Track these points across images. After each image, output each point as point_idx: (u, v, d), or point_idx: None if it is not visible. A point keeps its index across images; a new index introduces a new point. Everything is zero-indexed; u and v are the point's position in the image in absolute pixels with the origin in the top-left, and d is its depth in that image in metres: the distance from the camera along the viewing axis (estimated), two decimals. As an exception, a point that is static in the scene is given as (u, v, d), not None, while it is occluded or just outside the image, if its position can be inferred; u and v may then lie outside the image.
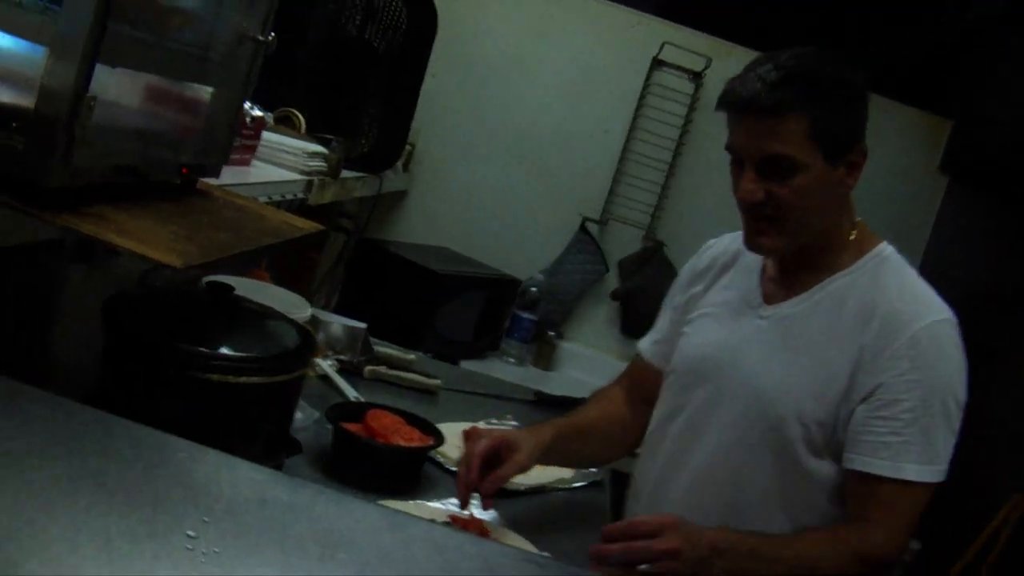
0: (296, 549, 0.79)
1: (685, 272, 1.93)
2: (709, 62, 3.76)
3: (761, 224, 1.62)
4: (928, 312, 1.58)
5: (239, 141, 2.07)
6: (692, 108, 3.84)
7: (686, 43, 3.77)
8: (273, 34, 1.54)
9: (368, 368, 2.20)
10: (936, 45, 3.86)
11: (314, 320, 2.26)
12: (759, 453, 1.63)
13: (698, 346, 1.78)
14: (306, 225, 1.61)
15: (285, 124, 2.56)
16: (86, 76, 1.06)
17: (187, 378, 1.26)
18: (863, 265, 1.65)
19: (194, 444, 0.93)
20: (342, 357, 2.21)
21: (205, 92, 1.51)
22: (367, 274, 3.43)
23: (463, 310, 3.45)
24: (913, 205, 3.91)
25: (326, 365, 2.12)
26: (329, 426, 1.68)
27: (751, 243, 1.66)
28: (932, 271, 3.74)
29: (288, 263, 3.20)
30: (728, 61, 3.69)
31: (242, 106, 1.58)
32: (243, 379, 1.29)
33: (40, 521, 0.72)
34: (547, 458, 1.70)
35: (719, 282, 1.82)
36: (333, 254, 3.41)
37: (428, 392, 2.23)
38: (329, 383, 2.08)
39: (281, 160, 2.32)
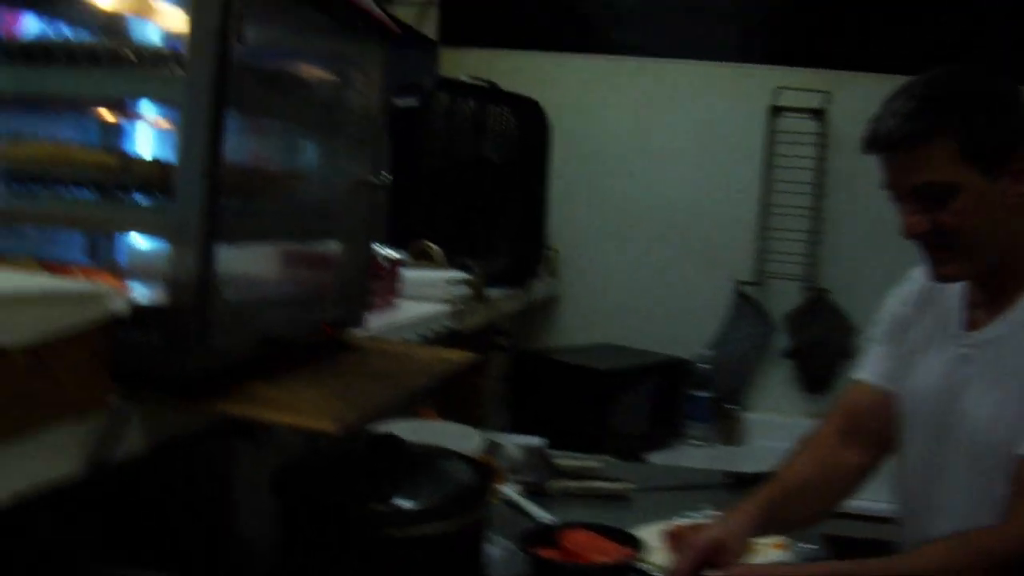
0: None
1: (889, 308, 1.84)
2: (828, 97, 3.63)
3: (938, 253, 1.57)
4: None
5: (380, 286, 2.07)
6: (822, 146, 3.70)
7: (801, 83, 3.65)
8: (387, 174, 1.53)
9: (554, 484, 2.13)
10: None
11: (490, 445, 2.21)
12: (991, 491, 1.53)
13: (912, 391, 1.71)
14: (459, 357, 1.57)
15: (422, 258, 2.55)
16: (207, 260, 1.05)
17: (366, 537, 1.23)
18: None
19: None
20: (525, 479, 2.15)
21: (332, 246, 1.51)
22: (533, 387, 3.38)
23: (637, 402, 3.35)
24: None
25: (510, 490, 2.06)
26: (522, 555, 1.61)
27: (934, 275, 1.61)
28: None
29: (453, 392, 3.18)
30: (848, 91, 3.57)
31: (371, 251, 1.56)
32: (424, 529, 1.24)
33: None
34: (763, 532, 1.64)
35: (924, 316, 1.74)
36: (496, 374, 3.38)
37: (619, 497, 2.14)
38: (516, 508, 2.02)
39: (424, 294, 2.31)
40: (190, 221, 1.04)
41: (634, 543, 1.67)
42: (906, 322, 1.77)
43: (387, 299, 2.14)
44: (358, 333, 1.59)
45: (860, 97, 3.57)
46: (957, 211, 1.50)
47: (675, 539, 1.57)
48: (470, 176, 2.90)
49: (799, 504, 1.73)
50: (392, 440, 1.39)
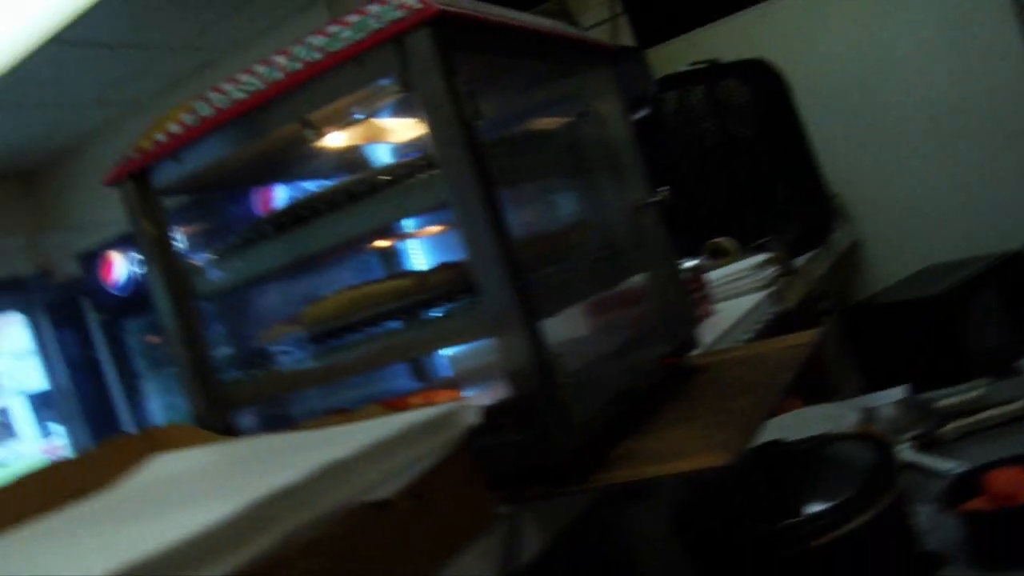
0: None
1: None
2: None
3: None
4: None
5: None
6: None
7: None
8: (663, 187, 1.46)
9: (947, 429, 1.95)
10: None
11: (861, 413, 2.07)
12: None
13: None
14: (803, 338, 1.47)
15: (718, 256, 2.46)
16: (537, 340, 1.02)
17: (789, 555, 1.14)
18: None
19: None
20: (912, 435, 1.98)
21: (638, 279, 1.45)
22: (872, 338, 3.18)
23: (984, 314, 3.08)
24: None
25: (904, 450, 1.90)
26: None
27: None
28: None
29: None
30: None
31: (676, 268, 1.50)
32: (847, 527, 1.14)
33: None
34: None
35: None
36: (830, 339, 3.21)
37: (1018, 419, 1.93)
38: (916, 468, 1.86)
39: (736, 289, 2.22)
40: (505, 309, 1.01)
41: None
42: None
43: (704, 309, 2.06)
44: (695, 354, 1.53)
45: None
46: None
47: None
48: (725, 158, 2.79)
49: None
50: (774, 446, 1.30)
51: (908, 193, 3.59)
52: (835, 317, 3.19)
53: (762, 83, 2.92)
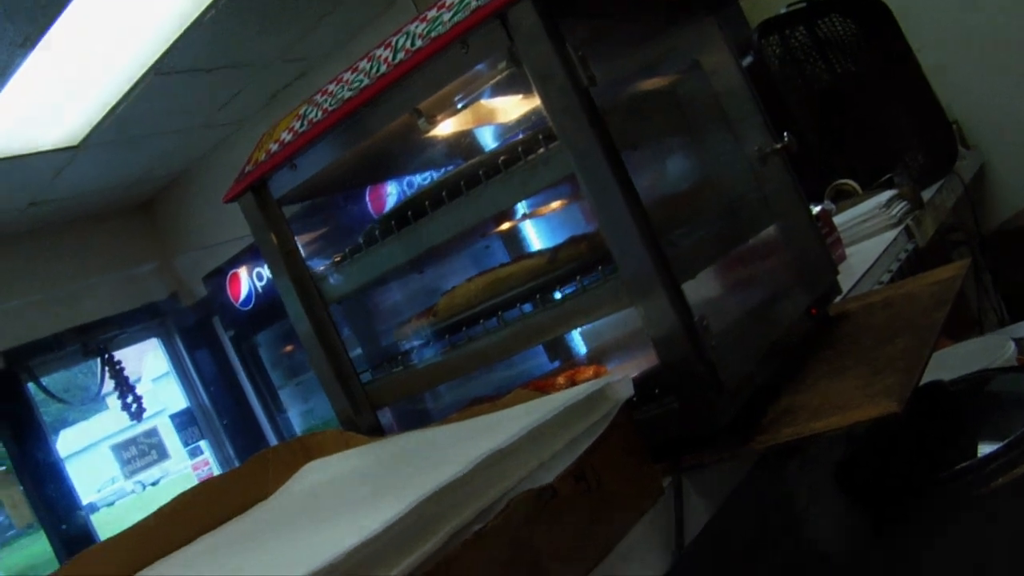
0: None
1: None
2: None
3: None
4: None
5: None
6: None
7: None
8: (787, 133, 1.40)
9: None
10: None
11: (1017, 343, 1.98)
12: None
13: None
14: (950, 272, 1.40)
15: (843, 198, 2.38)
16: (681, 303, 0.98)
17: (962, 501, 1.08)
18: None
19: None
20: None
21: (771, 230, 1.40)
22: (1016, 265, 3.03)
23: None
24: None
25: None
26: None
27: None
28: None
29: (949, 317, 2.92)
30: None
31: (808, 213, 1.43)
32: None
33: None
34: None
35: None
36: (971, 270, 3.08)
37: None
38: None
39: (867, 231, 2.14)
40: (644, 275, 0.97)
41: None
42: None
43: (838, 254, 1.99)
44: (838, 301, 1.47)
45: None
46: None
47: None
48: (836, 97, 2.69)
49: None
50: (934, 388, 1.24)
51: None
52: (971, 247, 3.06)
53: (865, 14, 2.81)
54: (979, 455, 1.13)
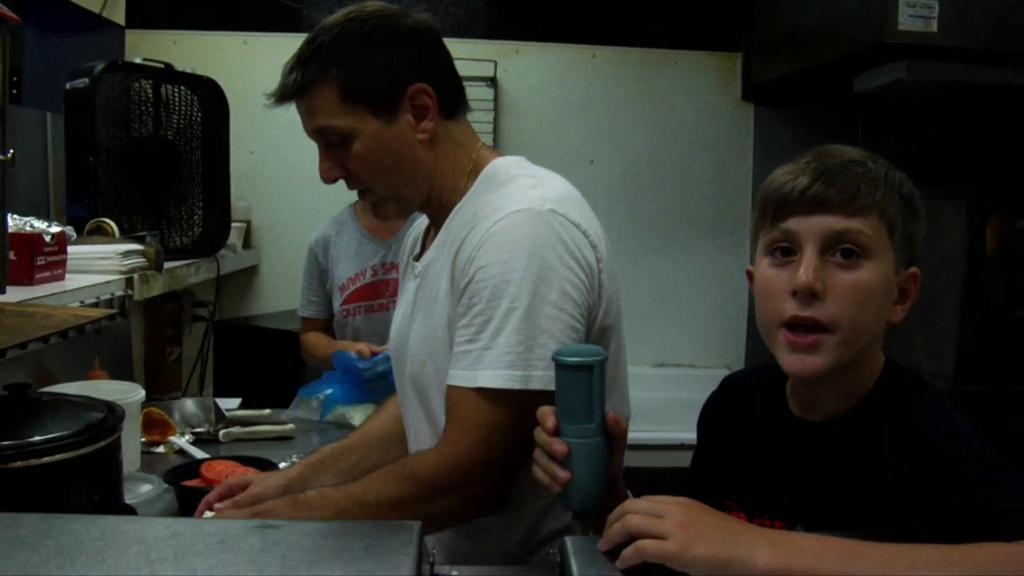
0: (39, 565, 0.92)
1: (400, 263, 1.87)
2: (494, 65, 3.92)
3: (365, 197, 1.59)
4: (509, 205, 1.42)
5: (44, 259, 2.19)
6: (496, 110, 4.00)
7: (469, 54, 3.90)
8: (12, 151, 1.66)
9: (223, 432, 2.31)
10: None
11: (166, 404, 2.38)
12: (420, 410, 1.58)
13: (391, 331, 1.74)
14: (92, 313, 1.74)
15: (98, 234, 2.66)
16: None
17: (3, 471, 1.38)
18: (476, 187, 1.54)
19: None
20: (198, 429, 2.32)
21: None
22: (233, 353, 3.54)
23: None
24: (731, 136, 4.20)
25: (181, 440, 2.23)
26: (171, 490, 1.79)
27: (376, 214, 1.63)
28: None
29: (152, 362, 3.30)
30: (516, 60, 3.91)
31: (5, 224, 1.70)
32: (48, 459, 1.40)
33: None
34: (318, 482, 1.67)
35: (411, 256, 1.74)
36: (197, 344, 3.52)
37: (286, 438, 2.34)
38: (187, 456, 2.19)
39: (97, 267, 2.43)
40: None
41: (274, 468, 1.87)
42: (402, 270, 1.78)
43: (56, 272, 2.25)
44: (5, 299, 1.73)
45: (522, 64, 3.94)
46: (358, 155, 1.48)
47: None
48: (150, 154, 3.02)
49: (360, 458, 1.75)
50: (22, 388, 1.54)
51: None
52: (205, 325, 3.51)
53: (207, 100, 3.20)
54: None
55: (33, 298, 1.89)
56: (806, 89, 4.02)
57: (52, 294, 2.05)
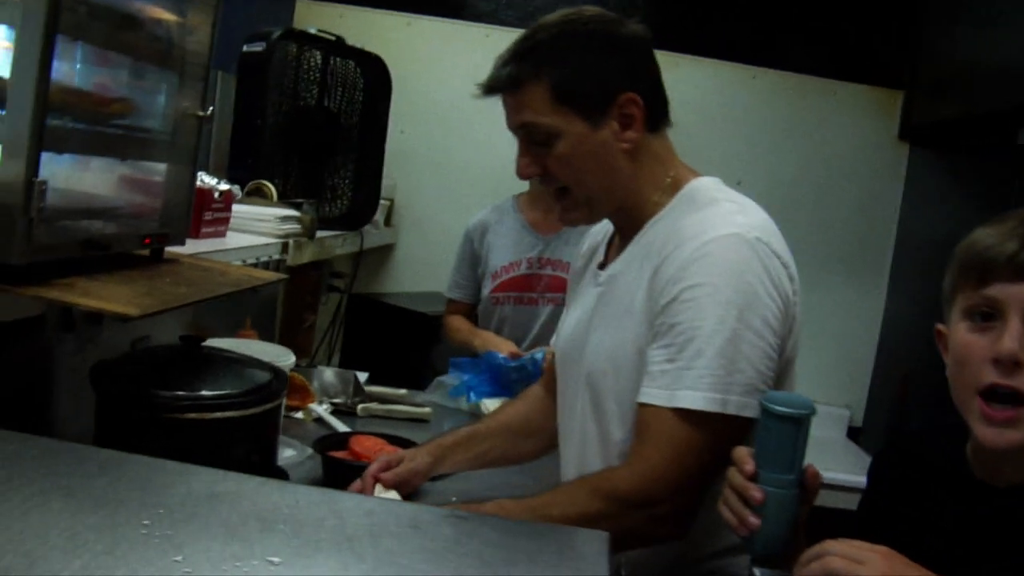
0: (239, 525, 0.93)
1: (572, 266, 1.89)
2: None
3: (559, 199, 1.59)
4: (717, 228, 1.43)
5: (211, 215, 2.23)
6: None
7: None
8: (212, 108, 1.69)
9: (361, 407, 2.33)
10: (870, 19, 4.02)
11: (307, 371, 2.41)
12: (592, 421, 1.58)
13: (562, 331, 1.76)
14: (266, 276, 1.77)
15: (257, 195, 2.71)
16: (34, 165, 1.22)
17: (169, 421, 1.41)
18: (674, 205, 1.55)
19: (155, 459, 1.07)
20: (336, 400, 2.35)
21: (158, 168, 1.67)
22: (364, 327, 3.58)
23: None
24: (881, 175, 4.08)
25: (320, 409, 2.26)
26: (318, 458, 1.81)
27: (561, 218, 1.64)
28: (910, 232, 4.00)
29: (288, 327, 3.36)
30: (673, 72, 3.87)
31: (195, 177, 1.73)
32: (219, 415, 1.43)
33: (15, 526, 0.85)
34: (450, 464, 1.76)
35: (590, 263, 1.75)
36: (330, 314, 3.57)
37: (422, 421, 2.36)
38: (325, 425, 2.22)
39: (255, 228, 2.47)
40: (20, 130, 1.20)
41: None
42: (578, 271, 1.80)
43: (219, 229, 2.30)
44: (179, 251, 1.76)
45: (683, 79, 3.89)
46: (560, 156, 1.50)
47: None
48: (313, 124, 3.06)
49: (490, 446, 1.80)
50: (196, 341, 1.57)
51: (450, 230, 4.04)
52: (342, 296, 3.55)
53: (372, 77, 3.23)
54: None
55: (198, 252, 1.93)
56: (967, 135, 3.89)
57: (216, 251, 2.09)
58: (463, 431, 1.82)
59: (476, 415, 2.48)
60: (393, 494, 1.63)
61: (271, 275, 1.76)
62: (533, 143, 1.53)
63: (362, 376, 2.67)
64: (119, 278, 1.42)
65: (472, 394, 2.50)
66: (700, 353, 1.36)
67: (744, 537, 1.19)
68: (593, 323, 1.59)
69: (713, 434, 1.35)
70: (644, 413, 1.41)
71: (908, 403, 3.79)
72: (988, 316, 1.17)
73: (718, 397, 1.35)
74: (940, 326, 1.29)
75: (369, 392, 2.42)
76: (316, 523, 0.96)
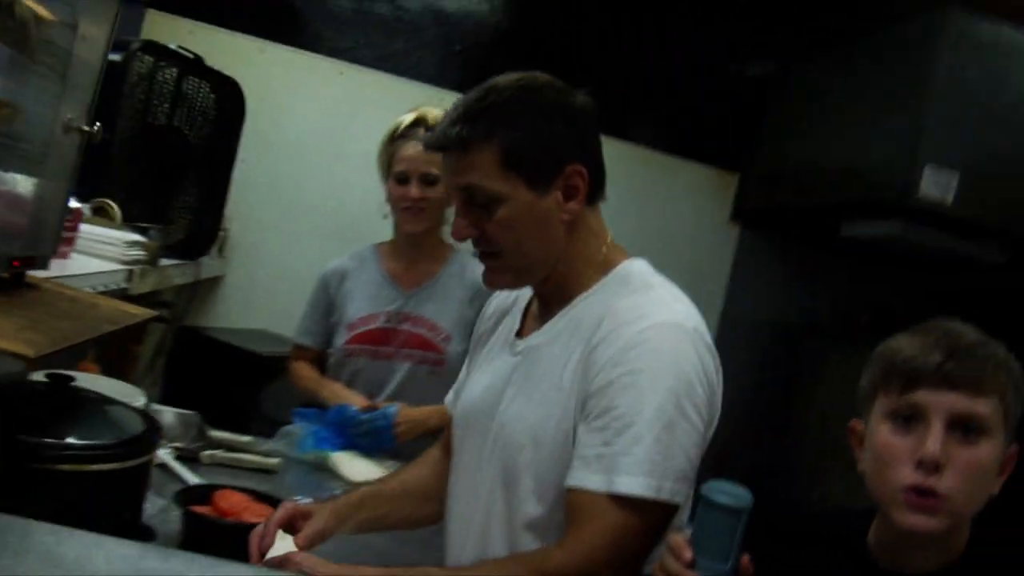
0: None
1: (478, 327, 1.84)
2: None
3: (488, 261, 1.54)
4: (656, 315, 1.44)
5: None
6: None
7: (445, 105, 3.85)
8: (99, 124, 1.55)
9: (206, 453, 2.18)
10: (716, 104, 4.16)
11: (147, 408, 2.23)
12: (509, 488, 1.52)
13: (467, 396, 1.71)
14: (139, 311, 1.62)
15: (100, 215, 2.52)
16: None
17: (36, 470, 1.25)
18: (606, 283, 1.54)
19: (58, 527, 0.93)
20: (177, 444, 2.18)
21: (28, 183, 1.51)
22: (189, 362, 3.39)
23: (287, 390, 3.42)
24: (711, 253, 4.22)
25: (163, 454, 2.09)
26: (176, 512, 1.66)
27: (485, 282, 1.60)
28: (735, 312, 4.14)
29: (109, 357, 3.12)
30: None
31: (69, 196, 1.58)
32: (95, 467, 1.28)
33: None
34: (352, 525, 1.68)
35: (498, 327, 1.73)
36: (152, 345, 3.36)
37: (269, 472, 2.22)
38: (168, 472, 2.05)
39: (100, 251, 2.29)
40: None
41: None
42: (483, 334, 1.77)
43: (64, 249, 2.11)
44: (40, 275, 1.60)
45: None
46: (501, 221, 1.47)
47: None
48: (160, 144, 2.88)
49: (393, 508, 1.75)
50: (66, 380, 1.41)
51: (286, 266, 3.91)
52: (165, 327, 3.35)
53: (226, 101, 3.08)
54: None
55: (43, 276, 1.76)
56: (795, 223, 4.08)
57: (62, 275, 1.92)
58: (361, 492, 1.74)
59: (323, 468, 2.37)
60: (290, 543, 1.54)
61: (143, 311, 1.61)
62: (474, 205, 1.49)
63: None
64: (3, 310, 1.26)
65: (323, 445, 2.38)
66: (639, 439, 1.35)
67: None
68: (508, 393, 1.55)
69: (647, 519, 1.35)
70: (578, 497, 1.39)
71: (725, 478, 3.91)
72: (909, 419, 1.24)
73: (654, 483, 1.35)
74: (856, 423, 1.35)
75: (215, 437, 2.26)
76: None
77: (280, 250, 3.92)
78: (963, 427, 1.21)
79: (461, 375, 1.85)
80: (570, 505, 1.41)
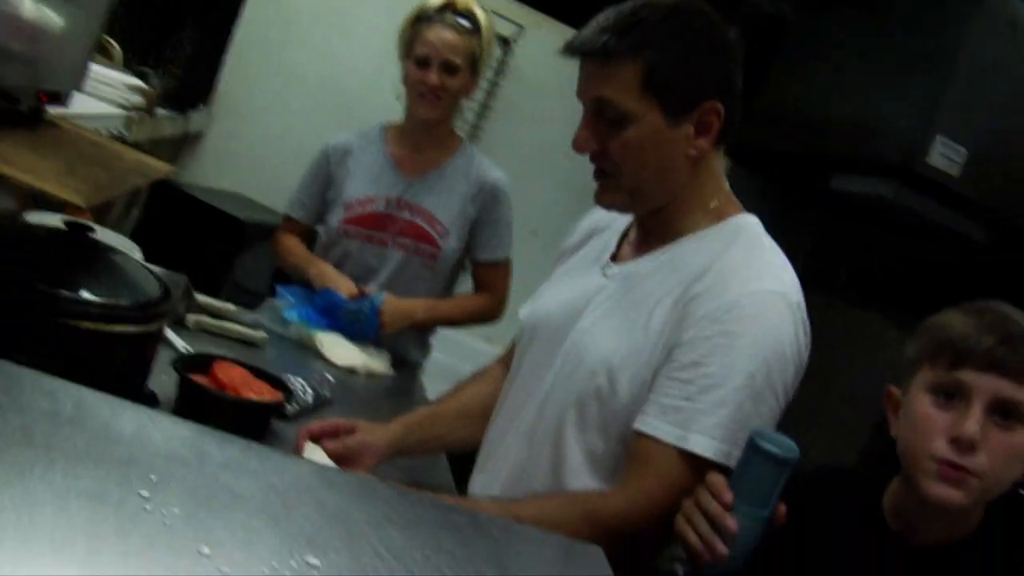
0: (258, 510, 0.77)
1: (568, 235, 1.80)
2: (520, 30, 3.80)
3: (603, 179, 1.50)
4: (764, 280, 1.40)
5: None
6: (500, 72, 3.87)
7: (499, 8, 3.77)
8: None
9: (192, 318, 2.10)
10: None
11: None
12: (573, 411, 1.50)
13: (542, 305, 1.68)
14: (162, 166, 1.53)
15: (101, 53, 2.39)
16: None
17: (56, 325, 1.17)
18: (717, 231, 1.50)
19: (111, 398, 0.88)
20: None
21: (58, 14, 1.40)
22: (163, 218, 3.27)
23: (262, 259, 3.34)
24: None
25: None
26: (167, 378, 1.58)
27: (596, 199, 1.54)
28: None
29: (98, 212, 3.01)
30: (539, 32, 3.76)
31: (101, 30, 1.47)
32: (117, 327, 1.22)
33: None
34: (410, 446, 1.70)
35: (586, 246, 1.71)
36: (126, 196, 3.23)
37: (253, 344, 2.16)
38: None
39: (99, 92, 2.17)
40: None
41: (284, 387, 1.70)
42: (569, 248, 1.75)
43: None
44: (57, 111, 1.50)
45: (547, 41, 3.79)
46: (627, 141, 1.42)
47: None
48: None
49: (448, 430, 1.76)
50: (86, 229, 1.33)
51: (272, 131, 3.78)
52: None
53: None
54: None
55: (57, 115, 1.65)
56: (785, 168, 4.04)
57: (63, 114, 1.81)
58: (424, 411, 1.75)
59: (306, 347, 2.31)
60: (321, 456, 1.51)
61: (164, 167, 1.52)
62: (602, 119, 1.43)
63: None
64: (23, 144, 1.17)
65: (308, 322, 2.33)
66: (723, 402, 1.34)
67: (704, 562, 1.21)
68: (589, 313, 1.53)
69: (700, 477, 1.31)
70: (646, 443, 1.38)
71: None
72: (952, 396, 1.25)
73: (725, 449, 1.34)
74: (893, 389, 1.36)
75: (201, 302, 2.18)
76: (320, 507, 0.81)
77: (269, 117, 3.80)
78: (1002, 412, 1.22)
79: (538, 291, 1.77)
80: (636, 449, 1.40)
